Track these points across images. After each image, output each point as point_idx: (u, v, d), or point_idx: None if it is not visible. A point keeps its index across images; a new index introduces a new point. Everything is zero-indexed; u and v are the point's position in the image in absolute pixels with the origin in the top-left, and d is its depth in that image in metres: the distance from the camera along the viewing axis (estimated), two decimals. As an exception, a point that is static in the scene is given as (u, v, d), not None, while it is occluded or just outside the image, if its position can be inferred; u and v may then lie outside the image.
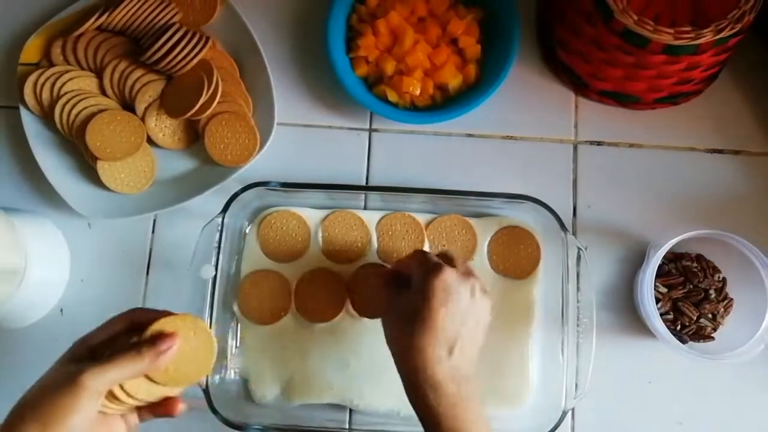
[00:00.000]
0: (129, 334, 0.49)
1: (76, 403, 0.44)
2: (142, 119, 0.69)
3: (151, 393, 0.49)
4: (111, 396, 0.47)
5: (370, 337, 0.66)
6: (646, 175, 0.71)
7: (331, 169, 0.72)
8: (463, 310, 0.53)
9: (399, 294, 0.56)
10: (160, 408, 0.50)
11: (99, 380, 0.45)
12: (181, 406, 0.50)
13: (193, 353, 0.50)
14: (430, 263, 0.54)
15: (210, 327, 0.62)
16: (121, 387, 0.47)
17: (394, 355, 0.54)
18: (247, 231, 0.69)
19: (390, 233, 0.68)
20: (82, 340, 0.49)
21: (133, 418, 0.50)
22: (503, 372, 0.65)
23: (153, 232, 0.70)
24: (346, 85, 0.70)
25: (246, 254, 0.68)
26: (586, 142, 0.72)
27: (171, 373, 0.49)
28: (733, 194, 0.71)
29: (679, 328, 0.66)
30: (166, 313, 0.50)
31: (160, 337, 0.48)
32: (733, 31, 0.61)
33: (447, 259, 0.56)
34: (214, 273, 0.63)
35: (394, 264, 0.61)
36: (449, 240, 0.68)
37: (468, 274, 0.55)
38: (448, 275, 0.53)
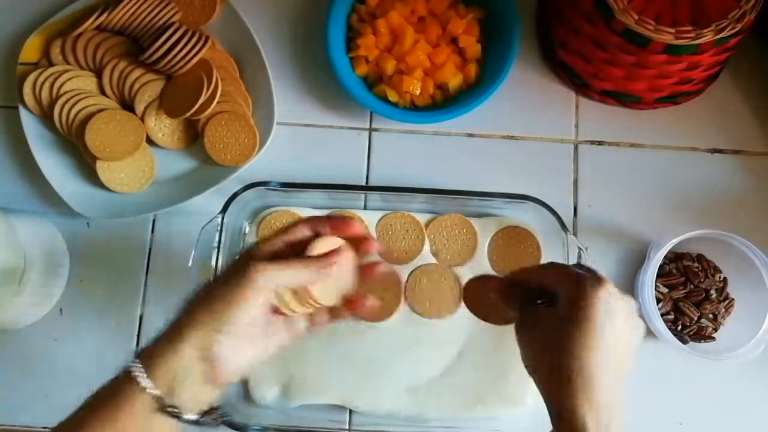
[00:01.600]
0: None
1: (243, 296, 0.44)
2: (142, 119, 0.69)
3: (327, 296, 0.49)
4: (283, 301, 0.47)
5: (370, 337, 0.66)
6: (646, 174, 0.71)
7: (331, 169, 0.71)
8: (627, 337, 0.46)
9: (535, 309, 0.48)
10: (354, 307, 0.50)
11: (270, 280, 0.45)
12: (372, 301, 0.50)
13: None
14: (585, 276, 0.45)
15: None
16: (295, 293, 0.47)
17: (536, 382, 0.47)
18: (247, 231, 0.68)
19: (390, 233, 0.68)
20: (263, 241, 0.48)
21: (300, 325, 0.50)
22: (504, 372, 0.65)
23: (152, 232, 0.70)
24: (345, 84, 0.69)
25: (246, 254, 0.68)
26: (587, 141, 0.72)
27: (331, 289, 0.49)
28: (733, 194, 0.71)
29: (679, 328, 0.66)
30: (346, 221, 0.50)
31: (330, 253, 0.48)
32: (734, 30, 0.61)
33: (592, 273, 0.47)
34: (213, 273, 0.62)
35: (519, 274, 0.51)
36: (449, 240, 0.68)
37: (622, 293, 0.47)
38: (612, 290, 0.45)
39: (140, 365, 0.43)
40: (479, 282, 0.55)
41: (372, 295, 0.50)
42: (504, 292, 0.51)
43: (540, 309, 0.48)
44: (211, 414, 0.45)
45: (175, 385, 0.43)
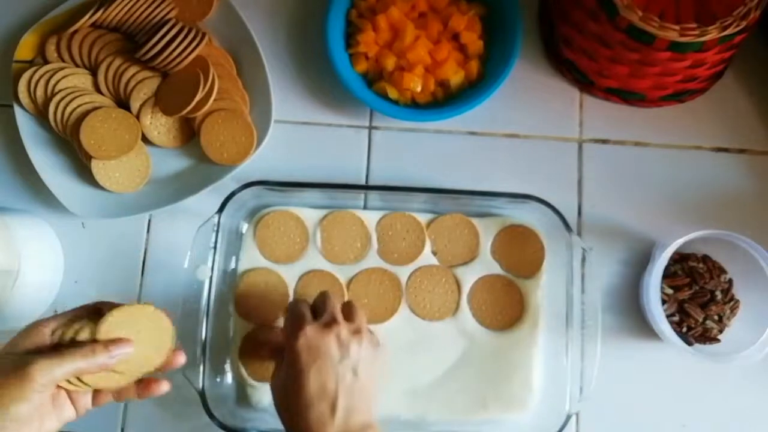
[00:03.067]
0: (88, 317, 0.49)
1: (22, 395, 0.43)
2: (137, 117, 0.69)
3: (110, 380, 0.49)
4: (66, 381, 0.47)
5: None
6: (651, 173, 0.71)
7: (330, 167, 0.71)
8: (335, 362, 0.51)
9: (280, 360, 0.55)
10: (144, 390, 0.51)
11: (48, 375, 0.44)
12: (164, 387, 0.51)
13: (150, 342, 0.50)
14: (290, 322, 0.54)
15: (206, 327, 0.62)
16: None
17: (283, 423, 0.52)
18: (244, 231, 0.68)
19: (390, 233, 0.67)
20: (38, 323, 0.48)
21: (86, 400, 0.50)
22: (507, 375, 0.64)
23: (148, 232, 0.70)
24: (345, 81, 0.69)
25: (242, 255, 0.67)
26: (592, 140, 0.72)
27: (127, 364, 0.49)
28: (739, 193, 0.70)
29: (684, 329, 0.66)
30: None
31: (115, 341, 0.48)
32: (739, 28, 0.60)
33: (313, 312, 0.55)
34: (210, 274, 0.62)
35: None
36: (451, 240, 0.67)
37: (330, 323, 0.53)
38: (309, 332, 0.52)
39: None
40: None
41: (165, 381, 0.51)
42: (270, 347, 0.59)
43: (282, 359, 0.54)
44: None
45: None
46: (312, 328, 0.52)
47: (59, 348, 0.47)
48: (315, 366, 0.51)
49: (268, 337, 0.64)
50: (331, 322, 0.53)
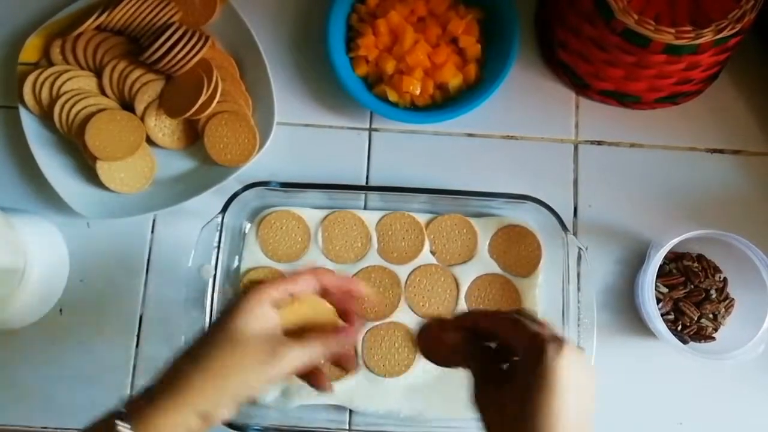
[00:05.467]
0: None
1: (272, 379, 0.45)
2: (142, 119, 0.69)
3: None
4: None
5: (370, 336, 0.66)
6: (646, 174, 0.71)
7: (331, 168, 0.71)
8: (589, 389, 0.43)
9: (494, 368, 0.45)
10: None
11: (298, 363, 0.46)
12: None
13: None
14: (545, 338, 0.42)
15: (209, 325, 0.61)
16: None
17: None
18: (247, 231, 0.68)
19: (390, 233, 0.68)
20: (261, 299, 0.47)
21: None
22: (504, 372, 0.65)
23: (152, 232, 0.70)
24: (346, 84, 0.69)
25: (245, 254, 0.68)
26: (587, 141, 0.72)
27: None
28: (733, 194, 0.71)
29: (680, 328, 0.66)
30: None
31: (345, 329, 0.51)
32: (734, 31, 0.61)
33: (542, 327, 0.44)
34: (213, 273, 0.63)
35: (474, 318, 0.48)
36: (449, 240, 0.68)
37: (577, 348, 0.44)
38: (572, 354, 0.42)
39: (128, 427, 0.42)
40: (433, 327, 0.49)
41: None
42: (457, 337, 0.47)
43: (498, 369, 0.45)
44: None
45: None
46: (576, 350, 0.43)
47: (302, 335, 0.48)
48: (577, 394, 0.42)
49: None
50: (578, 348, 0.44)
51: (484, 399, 0.45)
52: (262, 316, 0.46)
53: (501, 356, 0.46)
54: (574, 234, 0.69)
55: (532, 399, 0.41)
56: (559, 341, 0.42)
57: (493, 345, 0.47)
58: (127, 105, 0.70)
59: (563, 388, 0.41)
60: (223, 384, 0.44)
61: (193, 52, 0.68)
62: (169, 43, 0.67)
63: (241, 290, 0.48)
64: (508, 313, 0.46)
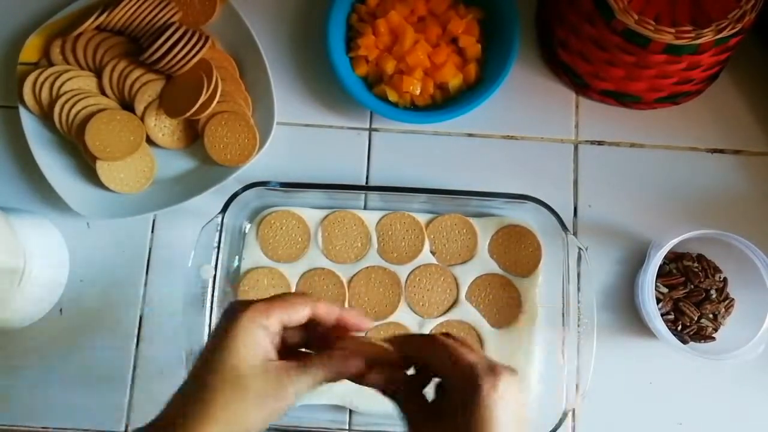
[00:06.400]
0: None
1: (278, 413, 0.43)
2: (142, 119, 0.69)
3: None
4: None
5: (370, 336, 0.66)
6: (646, 174, 0.71)
7: (331, 168, 0.71)
8: (521, 414, 0.41)
9: (424, 404, 0.43)
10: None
11: (302, 390, 0.43)
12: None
13: None
14: (477, 368, 0.40)
15: (209, 325, 0.62)
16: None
17: None
18: (247, 231, 0.68)
19: (390, 233, 0.68)
20: (255, 332, 0.42)
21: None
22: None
23: (152, 232, 0.70)
24: (346, 84, 0.69)
25: (245, 254, 0.68)
26: (587, 141, 0.72)
27: None
28: (734, 194, 0.71)
29: (680, 328, 0.66)
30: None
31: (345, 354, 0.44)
32: (734, 30, 0.61)
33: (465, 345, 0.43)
34: (213, 273, 0.63)
35: (401, 344, 0.45)
36: (449, 240, 0.68)
37: (514, 371, 0.42)
38: (510, 387, 0.40)
39: None
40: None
41: None
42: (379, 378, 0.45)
43: (424, 401, 0.43)
44: None
45: None
46: (512, 381, 0.41)
47: (304, 359, 0.43)
48: (512, 421, 0.40)
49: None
50: (513, 371, 0.42)
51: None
52: (256, 345, 0.42)
53: (419, 381, 0.44)
54: (574, 234, 0.69)
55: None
56: (494, 372, 0.40)
57: (410, 372, 0.45)
58: (127, 105, 0.70)
59: (501, 425, 0.39)
60: (228, 429, 0.40)
61: (193, 52, 0.68)
62: (169, 43, 0.67)
63: (227, 309, 0.43)
64: (439, 339, 0.44)
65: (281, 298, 0.44)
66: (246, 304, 0.42)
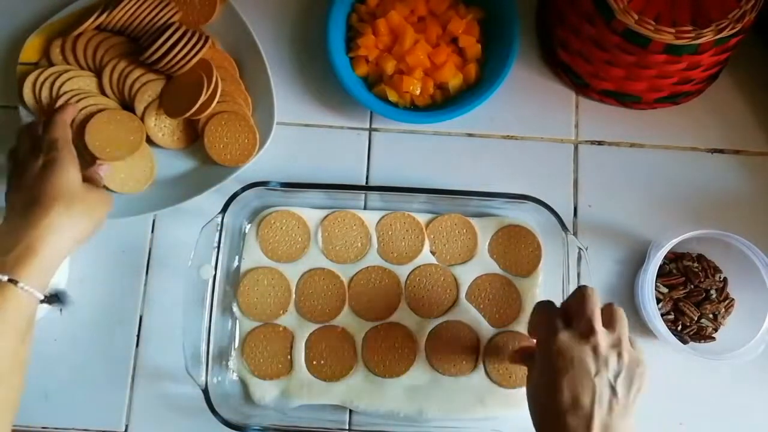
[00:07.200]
0: None
1: (101, 219, 0.61)
2: (142, 119, 0.69)
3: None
4: None
5: (370, 336, 0.66)
6: (647, 174, 0.71)
7: (331, 168, 0.72)
8: (590, 375, 0.48)
9: (531, 364, 0.53)
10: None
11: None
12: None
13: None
14: (542, 327, 0.52)
15: (209, 325, 0.62)
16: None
17: (535, 428, 0.50)
18: (247, 231, 0.68)
19: (390, 233, 0.68)
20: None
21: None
22: (506, 372, 0.65)
23: (152, 232, 0.70)
24: (346, 84, 0.69)
25: (245, 254, 0.68)
26: (587, 141, 0.72)
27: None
28: (734, 194, 0.71)
29: (680, 328, 0.66)
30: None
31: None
32: (734, 30, 0.61)
33: (567, 315, 0.52)
34: (213, 273, 0.63)
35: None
36: (449, 240, 0.68)
37: (588, 333, 0.49)
38: (562, 340, 0.49)
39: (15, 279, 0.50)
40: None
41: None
42: (518, 352, 0.61)
43: (533, 364, 0.53)
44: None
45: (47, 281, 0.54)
46: (566, 335, 0.49)
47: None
48: (568, 376, 0.48)
49: (516, 339, 0.65)
50: (588, 332, 0.49)
51: (527, 394, 0.53)
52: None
53: None
54: (574, 234, 0.69)
55: (540, 386, 0.51)
56: (553, 330, 0.51)
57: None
58: (127, 105, 0.70)
59: (556, 368, 0.49)
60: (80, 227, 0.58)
61: (193, 52, 0.68)
62: (169, 43, 0.67)
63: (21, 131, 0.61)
64: (534, 309, 0.56)
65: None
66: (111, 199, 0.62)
